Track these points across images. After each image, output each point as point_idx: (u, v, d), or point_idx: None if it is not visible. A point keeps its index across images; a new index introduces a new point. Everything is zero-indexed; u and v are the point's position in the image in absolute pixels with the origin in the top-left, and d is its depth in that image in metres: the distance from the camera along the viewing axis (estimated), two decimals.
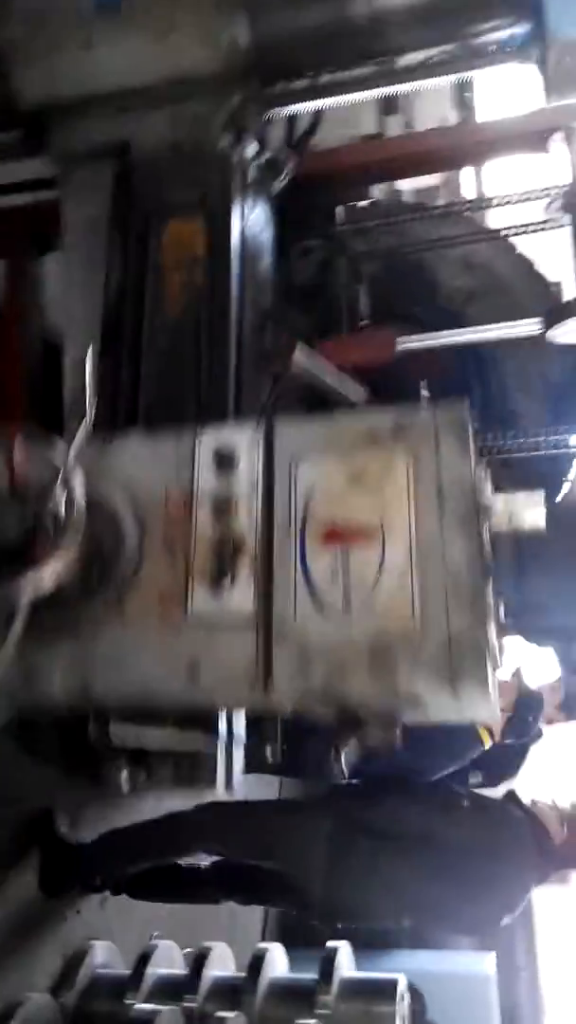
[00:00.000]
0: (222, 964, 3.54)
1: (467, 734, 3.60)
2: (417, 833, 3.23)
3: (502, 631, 2.01)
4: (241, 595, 1.89)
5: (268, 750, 2.00)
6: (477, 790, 3.72)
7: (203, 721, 2.08)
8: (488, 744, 3.64)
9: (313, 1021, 3.21)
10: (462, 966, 5.28)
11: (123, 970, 3.40)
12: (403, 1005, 3.39)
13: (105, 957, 3.53)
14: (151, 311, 2.45)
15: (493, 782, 3.94)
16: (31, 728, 2.77)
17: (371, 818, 3.33)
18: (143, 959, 3.33)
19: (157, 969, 3.33)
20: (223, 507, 1.93)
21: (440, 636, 1.77)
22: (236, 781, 2.20)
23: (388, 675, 1.77)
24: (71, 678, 1.91)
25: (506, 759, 3.89)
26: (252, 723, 2.14)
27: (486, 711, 1.81)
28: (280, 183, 2.78)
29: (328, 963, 3.45)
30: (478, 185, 3.70)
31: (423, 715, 1.80)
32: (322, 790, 3.82)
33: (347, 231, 3.53)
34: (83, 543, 1.89)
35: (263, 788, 4.87)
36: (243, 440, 1.97)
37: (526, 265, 3.79)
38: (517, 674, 3.74)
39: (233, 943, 3.64)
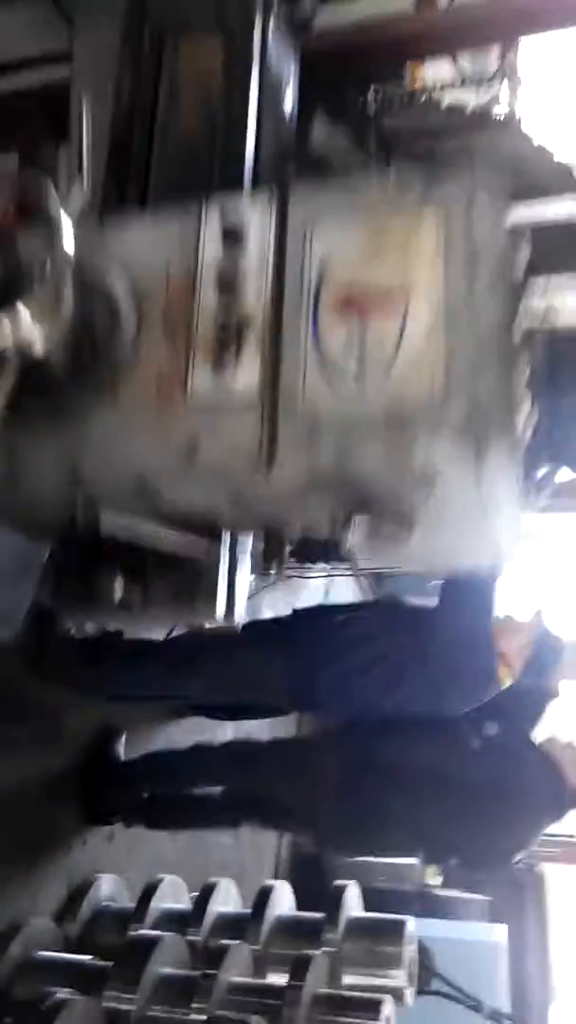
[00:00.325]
0: (228, 901, 3.42)
1: (486, 665, 3.41)
2: (424, 769, 3.19)
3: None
4: (246, 373, 1.71)
5: (274, 563, 1.79)
6: None
7: (205, 527, 1.87)
8: (507, 682, 3.45)
9: (319, 951, 3.02)
10: (472, 934, 5.20)
11: (128, 904, 3.32)
12: (410, 948, 3.29)
13: (111, 890, 3.44)
14: (163, 126, 2.28)
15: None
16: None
17: (379, 752, 3.27)
18: (148, 892, 3.22)
19: (162, 902, 3.23)
20: (229, 283, 1.74)
21: (465, 402, 1.57)
22: (240, 602, 1.98)
23: (404, 446, 1.57)
24: (58, 463, 1.73)
25: (523, 709, 3.70)
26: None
27: (509, 492, 1.62)
28: (305, 18, 2.60)
29: (335, 900, 3.35)
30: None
31: (439, 499, 1.61)
32: (336, 725, 3.69)
33: (379, 114, 3.34)
34: (75, 325, 1.73)
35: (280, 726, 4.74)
36: (253, 212, 1.79)
37: (565, 169, 3.63)
38: (537, 614, 3.56)
39: (242, 887, 3.55)
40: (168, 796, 3.76)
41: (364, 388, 1.62)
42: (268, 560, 1.85)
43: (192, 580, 1.91)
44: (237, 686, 3.30)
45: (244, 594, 1.99)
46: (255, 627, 3.83)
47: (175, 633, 3.54)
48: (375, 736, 3.35)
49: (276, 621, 3.59)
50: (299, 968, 2.83)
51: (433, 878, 5.55)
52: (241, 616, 2.01)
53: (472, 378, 1.58)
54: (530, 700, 3.60)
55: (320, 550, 4.07)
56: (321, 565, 4.48)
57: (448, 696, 3.30)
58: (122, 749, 3.79)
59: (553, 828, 3.41)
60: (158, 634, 3.57)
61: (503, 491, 1.66)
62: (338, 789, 3.26)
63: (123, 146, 2.24)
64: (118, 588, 1.85)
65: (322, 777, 3.31)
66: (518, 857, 3.31)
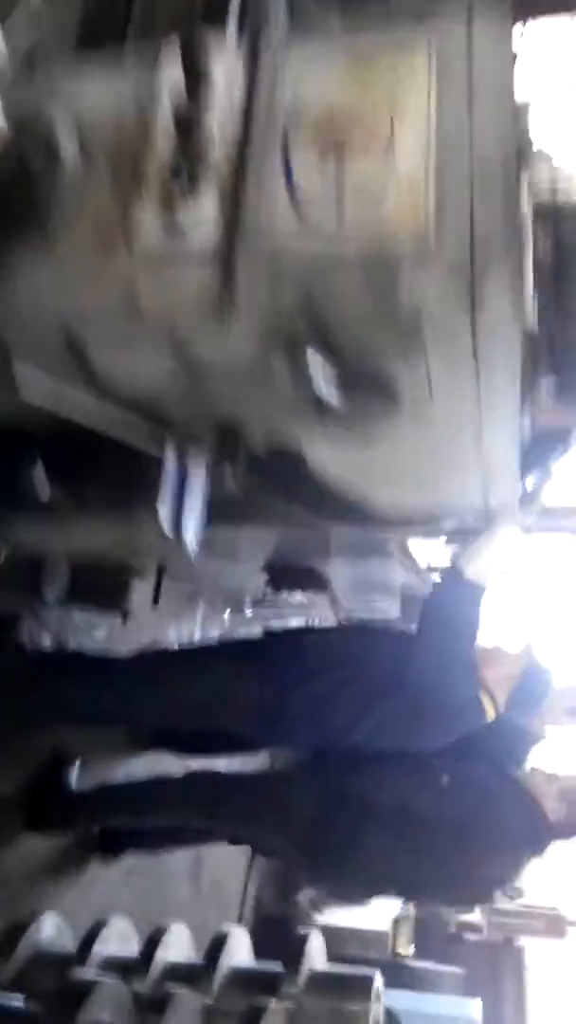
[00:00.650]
0: (180, 948, 3.05)
1: (466, 693, 3.16)
2: (392, 807, 3.06)
3: None
4: (202, 217, 1.44)
5: (229, 473, 1.49)
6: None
7: (148, 414, 1.56)
8: (491, 715, 3.19)
9: (273, 1003, 2.66)
10: (445, 1008, 4.89)
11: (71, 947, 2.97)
12: (377, 1005, 2.91)
13: (53, 930, 3.06)
14: (138, 23, 2.08)
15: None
16: None
17: (350, 785, 3.14)
18: (92, 934, 2.87)
19: (107, 946, 2.89)
20: (188, 123, 1.49)
21: (461, 234, 1.31)
22: (191, 518, 1.65)
23: (388, 286, 1.30)
24: None
25: (506, 747, 3.44)
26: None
27: (507, 367, 1.34)
28: None
29: (297, 951, 2.95)
30: None
31: (426, 355, 1.33)
32: (308, 758, 3.45)
33: None
34: (3, 163, 1.48)
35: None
36: (219, 48, 1.55)
37: None
38: (528, 647, 3.34)
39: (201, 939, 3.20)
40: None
41: (343, 221, 1.36)
42: (221, 463, 1.56)
43: (129, 482, 1.60)
44: (204, 706, 3.05)
45: (197, 507, 1.66)
46: (226, 646, 3.62)
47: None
48: (347, 768, 3.16)
49: (247, 641, 3.44)
50: (251, 1022, 2.47)
51: (404, 948, 5.18)
52: (192, 541, 1.70)
53: (469, 202, 1.32)
54: (515, 739, 3.36)
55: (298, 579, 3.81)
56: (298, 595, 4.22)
57: (425, 725, 3.07)
58: (74, 778, 3.52)
59: (533, 901, 3.24)
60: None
61: (504, 311, 1.36)
62: (313, 823, 3.09)
63: (92, 36, 2.03)
64: (41, 483, 1.54)
65: (296, 811, 3.13)
66: (497, 894, 3.30)
